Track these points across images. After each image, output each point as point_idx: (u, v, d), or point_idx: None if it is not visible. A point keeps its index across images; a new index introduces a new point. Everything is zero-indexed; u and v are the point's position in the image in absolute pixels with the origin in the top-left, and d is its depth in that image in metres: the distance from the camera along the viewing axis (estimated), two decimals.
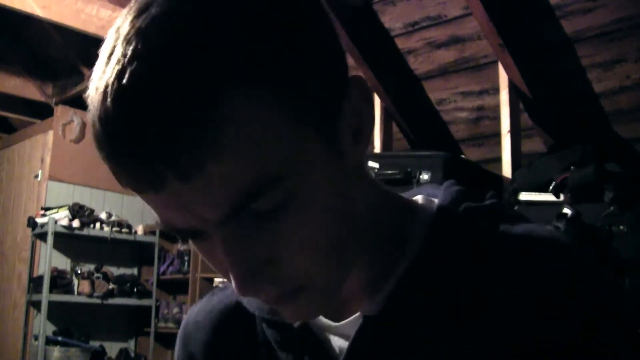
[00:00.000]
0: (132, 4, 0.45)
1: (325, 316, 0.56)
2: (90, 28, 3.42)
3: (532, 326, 0.49)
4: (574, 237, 2.21)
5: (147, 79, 0.41)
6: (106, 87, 0.42)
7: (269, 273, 0.46)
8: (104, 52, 0.44)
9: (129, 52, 0.41)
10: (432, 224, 0.54)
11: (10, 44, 4.47)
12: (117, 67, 0.42)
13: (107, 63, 0.43)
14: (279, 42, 0.43)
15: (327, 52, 0.47)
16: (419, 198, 0.58)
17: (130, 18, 0.43)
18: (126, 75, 0.41)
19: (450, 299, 0.51)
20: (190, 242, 0.49)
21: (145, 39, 0.41)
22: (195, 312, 0.67)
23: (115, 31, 0.44)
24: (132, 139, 0.41)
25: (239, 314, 0.61)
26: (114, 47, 0.43)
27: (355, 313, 0.54)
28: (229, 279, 0.48)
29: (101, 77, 0.43)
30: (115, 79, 0.41)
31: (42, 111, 4.83)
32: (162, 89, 0.40)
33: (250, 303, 0.60)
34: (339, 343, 0.55)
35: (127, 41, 0.42)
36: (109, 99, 0.42)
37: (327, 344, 0.56)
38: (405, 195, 0.61)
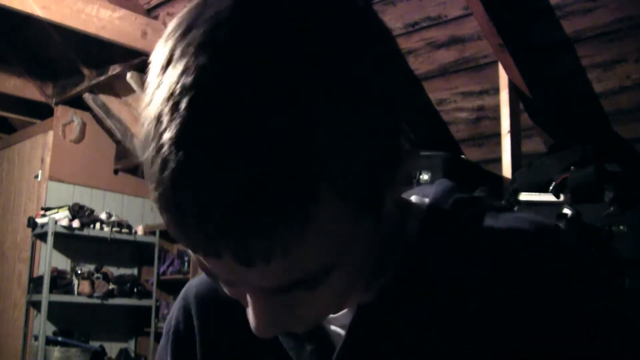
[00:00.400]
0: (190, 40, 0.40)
1: None
2: (90, 28, 3.42)
3: (522, 316, 0.49)
4: (574, 237, 2.20)
5: (218, 165, 0.38)
6: (169, 155, 0.38)
7: (289, 319, 0.48)
8: (161, 90, 0.40)
9: (197, 136, 0.38)
10: (423, 217, 0.56)
11: (10, 44, 4.47)
12: (184, 141, 0.38)
13: (171, 117, 0.39)
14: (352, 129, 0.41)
15: (393, 137, 0.47)
16: (413, 197, 0.60)
17: (190, 75, 0.39)
18: (193, 157, 0.38)
19: (440, 289, 0.52)
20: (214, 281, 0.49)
21: (214, 120, 0.38)
22: (195, 285, 0.67)
23: (176, 73, 0.40)
24: (200, 218, 0.39)
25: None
26: (177, 101, 0.39)
27: (353, 304, 0.55)
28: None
29: (161, 131, 0.39)
30: (183, 154, 0.38)
31: (42, 111, 4.83)
32: (235, 180, 0.38)
33: None
34: (337, 331, 0.57)
35: (193, 115, 0.38)
36: (174, 171, 0.38)
37: (327, 331, 0.57)
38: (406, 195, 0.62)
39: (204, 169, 0.38)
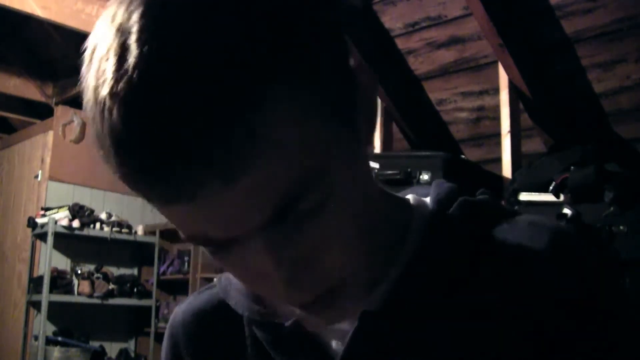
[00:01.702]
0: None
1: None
2: (90, 28, 3.39)
3: (532, 325, 0.49)
4: None
5: (181, 80, 0.37)
6: (130, 91, 0.38)
7: (309, 273, 0.45)
8: (107, 49, 0.40)
9: (153, 52, 0.38)
10: (429, 221, 0.54)
11: (10, 44, 4.47)
12: (141, 69, 0.38)
13: (120, 63, 0.39)
14: (305, 34, 0.41)
15: (343, 38, 0.47)
16: (410, 197, 0.58)
17: (137, 13, 0.39)
18: (155, 78, 0.38)
19: (448, 296, 0.51)
20: (211, 255, 0.46)
21: (170, 35, 0.38)
22: (181, 312, 0.66)
23: (118, 27, 0.40)
24: (169, 144, 0.38)
25: (226, 314, 0.60)
26: (126, 45, 0.39)
27: (349, 312, 0.53)
28: (260, 289, 0.48)
29: (116, 78, 0.39)
30: (141, 81, 0.38)
31: (42, 111, 4.83)
32: (199, 90, 0.37)
33: (239, 304, 0.59)
34: (332, 342, 0.55)
35: (144, 40, 0.38)
36: (137, 103, 0.38)
37: (322, 343, 0.55)
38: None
39: (165, 100, 0.38)
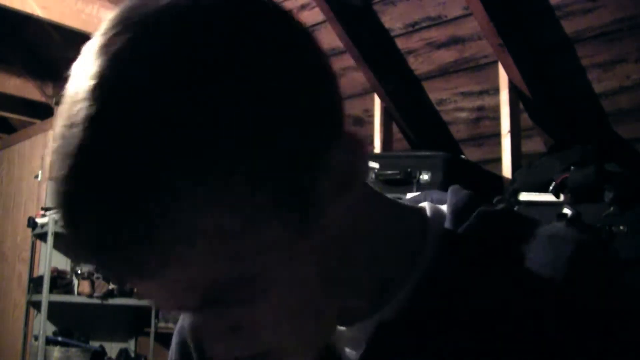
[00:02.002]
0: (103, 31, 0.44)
1: None
2: (90, 28, 3.42)
3: (552, 340, 0.48)
4: None
5: (103, 174, 0.39)
6: (62, 174, 0.40)
7: (240, 340, 0.46)
8: (74, 88, 0.42)
9: (90, 130, 0.39)
10: (447, 231, 0.53)
11: (10, 44, 4.47)
12: (79, 140, 0.39)
13: (71, 119, 0.40)
14: (246, 129, 0.40)
15: (307, 119, 0.43)
16: (425, 205, 0.56)
17: (97, 63, 0.41)
18: (80, 164, 0.39)
19: (465, 308, 0.50)
20: None
21: (107, 116, 0.39)
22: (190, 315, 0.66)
23: (86, 70, 0.42)
24: (93, 239, 0.40)
25: None
26: (71, 123, 0.40)
27: (362, 319, 0.52)
28: None
29: (64, 131, 0.40)
30: (70, 173, 0.39)
31: (42, 111, 4.83)
32: (123, 183, 0.38)
33: None
34: (347, 350, 0.54)
35: (89, 106, 0.39)
36: (69, 172, 0.39)
37: (335, 351, 0.55)
38: (410, 201, 0.60)
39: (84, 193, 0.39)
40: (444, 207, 0.56)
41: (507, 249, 0.52)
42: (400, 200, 0.57)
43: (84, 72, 0.42)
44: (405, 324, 0.50)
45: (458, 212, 0.54)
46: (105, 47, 0.42)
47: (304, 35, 0.46)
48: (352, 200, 0.46)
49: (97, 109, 0.39)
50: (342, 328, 0.54)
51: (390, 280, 0.52)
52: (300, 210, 0.43)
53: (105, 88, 0.40)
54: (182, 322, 0.66)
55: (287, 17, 0.45)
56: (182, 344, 0.65)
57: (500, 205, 0.55)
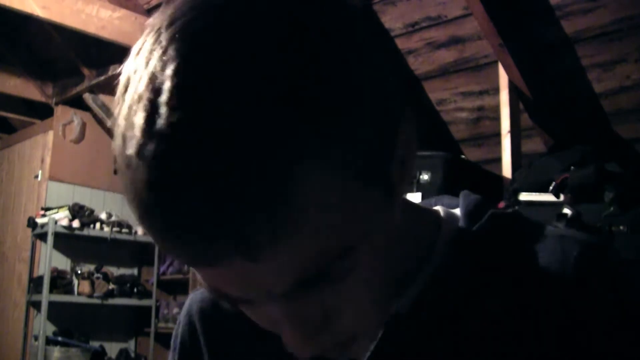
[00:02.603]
0: (164, 33, 0.39)
1: None
2: (90, 28, 3.43)
3: (561, 339, 0.48)
4: None
5: (213, 155, 0.36)
6: (149, 152, 0.37)
7: (325, 333, 0.46)
8: (131, 89, 0.39)
9: (183, 125, 0.36)
10: (461, 230, 0.54)
11: (10, 44, 4.47)
12: (170, 136, 0.36)
13: (152, 117, 0.37)
14: (342, 107, 0.40)
15: (383, 100, 0.44)
16: (439, 209, 0.58)
17: (172, 66, 0.38)
18: (185, 150, 0.36)
19: (475, 305, 0.51)
20: (231, 305, 0.46)
21: (202, 109, 0.36)
22: (198, 299, 0.65)
23: (145, 62, 0.39)
24: (196, 213, 0.37)
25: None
26: (154, 101, 0.37)
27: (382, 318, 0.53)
28: (279, 334, 0.47)
29: (147, 135, 0.37)
30: (170, 150, 0.37)
31: (42, 111, 4.83)
32: (231, 165, 0.36)
33: None
34: (360, 342, 0.55)
35: (174, 105, 0.37)
36: (165, 173, 0.37)
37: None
38: (422, 204, 0.61)
39: (202, 168, 0.37)
40: (456, 210, 0.57)
41: (517, 248, 0.53)
42: (415, 202, 0.58)
43: (154, 64, 0.38)
44: (418, 317, 0.51)
45: (470, 214, 0.55)
46: (180, 32, 0.39)
47: (376, 18, 0.47)
48: (411, 177, 0.47)
49: (193, 83, 0.37)
50: None
51: (404, 275, 0.53)
52: (385, 184, 0.44)
53: (198, 59, 0.38)
54: (190, 309, 0.66)
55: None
56: (191, 325, 0.65)
57: (510, 209, 0.57)
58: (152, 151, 0.37)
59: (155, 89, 0.38)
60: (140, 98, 0.38)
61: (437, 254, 0.53)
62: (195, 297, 0.66)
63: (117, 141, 0.40)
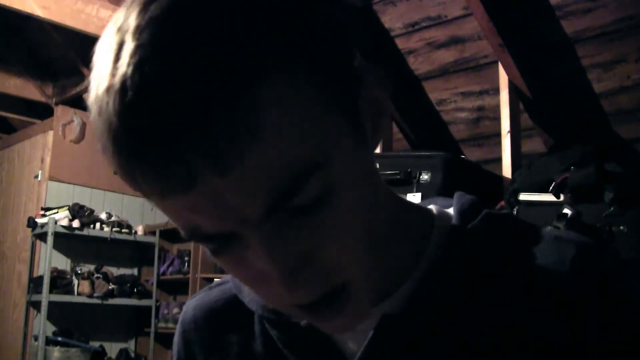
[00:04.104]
0: (128, 2, 0.42)
1: None
2: (90, 28, 3.42)
3: (555, 338, 0.48)
4: None
5: (175, 66, 0.37)
6: (124, 82, 0.38)
7: (310, 270, 0.44)
8: (106, 49, 0.41)
9: (146, 42, 0.38)
10: (454, 228, 0.54)
11: (10, 44, 4.47)
12: (134, 60, 0.38)
13: (117, 59, 0.39)
14: (307, 21, 0.42)
15: (346, 33, 0.46)
16: (433, 208, 0.58)
17: (135, 12, 0.40)
18: (148, 66, 0.38)
19: (469, 305, 0.51)
20: (213, 256, 0.45)
21: (164, 26, 0.38)
22: (192, 308, 0.65)
23: (118, 28, 0.41)
24: (163, 132, 0.38)
25: (237, 311, 0.60)
26: (122, 41, 0.39)
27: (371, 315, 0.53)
28: (259, 291, 0.47)
29: (113, 73, 0.39)
30: (135, 71, 0.38)
31: (42, 111, 4.83)
32: (194, 73, 0.37)
33: (252, 302, 0.59)
34: (349, 342, 0.54)
35: (140, 32, 0.39)
36: (130, 93, 0.38)
37: (337, 343, 0.55)
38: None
39: (162, 88, 0.38)
40: (450, 210, 0.57)
41: (512, 249, 0.53)
42: (409, 200, 0.58)
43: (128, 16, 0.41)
44: (409, 316, 0.51)
45: (464, 213, 0.55)
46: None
47: None
48: (382, 135, 0.49)
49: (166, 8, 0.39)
50: None
51: (395, 273, 0.53)
52: (351, 117, 0.45)
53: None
54: (184, 318, 0.66)
55: None
56: (186, 338, 0.65)
57: (505, 210, 0.57)
58: (118, 82, 0.39)
59: (120, 33, 0.40)
60: (107, 48, 0.41)
61: (429, 252, 0.53)
62: (190, 304, 0.66)
63: (90, 95, 0.42)
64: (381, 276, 0.53)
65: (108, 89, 0.39)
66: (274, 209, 0.41)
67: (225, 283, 0.65)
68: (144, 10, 0.40)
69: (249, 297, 0.59)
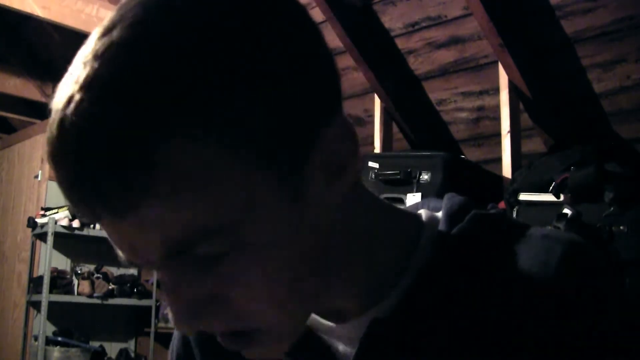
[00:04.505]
0: (104, 21, 0.45)
1: (327, 319, 0.55)
2: (90, 28, 3.40)
3: (543, 337, 0.48)
4: None
5: (89, 114, 0.41)
6: (56, 111, 0.43)
7: (216, 310, 0.46)
8: (70, 68, 0.44)
9: (81, 81, 0.42)
10: (440, 233, 0.54)
11: (10, 44, 4.47)
12: (68, 94, 0.42)
13: (65, 84, 0.44)
14: (231, 87, 0.41)
15: (297, 94, 0.44)
16: (422, 212, 0.58)
17: (94, 39, 0.44)
18: (71, 106, 0.41)
19: (458, 307, 0.51)
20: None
21: (95, 72, 0.41)
22: None
23: (82, 49, 0.45)
24: (72, 172, 0.42)
25: None
26: (74, 67, 0.44)
27: (356, 316, 0.53)
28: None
29: (58, 97, 0.44)
30: (63, 106, 0.42)
31: (42, 111, 4.83)
32: (100, 126, 0.40)
33: None
34: (341, 347, 0.55)
35: (83, 65, 0.43)
36: (54, 126, 0.43)
37: (329, 347, 0.55)
38: (409, 208, 0.61)
39: (73, 132, 0.42)
40: (439, 213, 0.57)
41: (499, 249, 0.53)
42: (397, 206, 0.58)
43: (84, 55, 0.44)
44: (399, 322, 0.51)
45: (452, 216, 0.55)
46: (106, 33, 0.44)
47: (311, 23, 0.48)
48: (345, 187, 0.47)
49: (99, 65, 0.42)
50: (335, 325, 0.55)
51: (384, 280, 0.53)
52: (290, 179, 0.44)
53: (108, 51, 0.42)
54: (175, 351, 0.67)
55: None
56: (184, 337, 0.66)
57: (494, 210, 0.57)
58: (57, 119, 0.43)
59: (75, 77, 0.43)
60: (69, 76, 0.44)
61: (416, 258, 0.53)
62: None
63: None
64: (371, 284, 0.53)
65: (53, 111, 0.44)
66: (171, 258, 0.43)
67: None
68: (98, 40, 0.43)
69: None
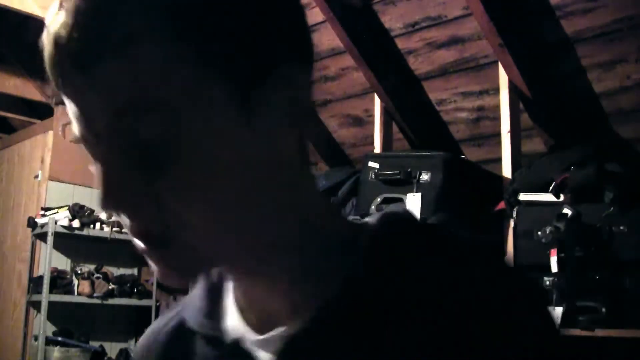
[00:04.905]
0: None
1: (253, 326, 0.55)
2: None
3: (465, 333, 0.48)
4: (574, 237, 2.21)
5: (81, 8, 0.49)
6: (52, 21, 0.53)
7: (147, 202, 0.47)
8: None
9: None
10: (360, 245, 0.54)
11: (10, 44, 4.47)
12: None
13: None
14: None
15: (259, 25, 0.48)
16: (350, 219, 0.58)
17: None
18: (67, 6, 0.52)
19: (374, 318, 0.50)
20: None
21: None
22: (146, 335, 0.68)
23: None
24: (58, 38, 0.51)
25: (181, 332, 0.62)
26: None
27: (277, 326, 0.53)
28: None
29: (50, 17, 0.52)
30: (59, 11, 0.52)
31: (42, 111, 4.83)
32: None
33: (192, 319, 0.60)
34: (261, 352, 0.54)
35: None
36: (53, 25, 0.53)
37: (247, 353, 0.55)
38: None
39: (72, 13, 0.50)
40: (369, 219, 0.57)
41: (405, 248, 0.53)
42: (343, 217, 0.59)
43: None
44: (312, 335, 0.51)
45: (370, 229, 0.55)
46: None
47: None
48: (298, 136, 0.51)
49: None
50: (260, 336, 0.54)
51: (310, 288, 0.53)
52: (242, 91, 0.48)
53: None
54: (138, 345, 0.69)
55: None
56: (146, 347, 0.67)
57: (403, 210, 0.57)
58: (54, 20, 0.52)
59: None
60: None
61: (343, 269, 0.52)
62: (145, 333, 0.70)
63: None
64: (300, 290, 0.53)
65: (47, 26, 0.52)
66: (118, 125, 0.46)
67: (173, 308, 0.67)
68: None
69: (190, 315, 0.61)
